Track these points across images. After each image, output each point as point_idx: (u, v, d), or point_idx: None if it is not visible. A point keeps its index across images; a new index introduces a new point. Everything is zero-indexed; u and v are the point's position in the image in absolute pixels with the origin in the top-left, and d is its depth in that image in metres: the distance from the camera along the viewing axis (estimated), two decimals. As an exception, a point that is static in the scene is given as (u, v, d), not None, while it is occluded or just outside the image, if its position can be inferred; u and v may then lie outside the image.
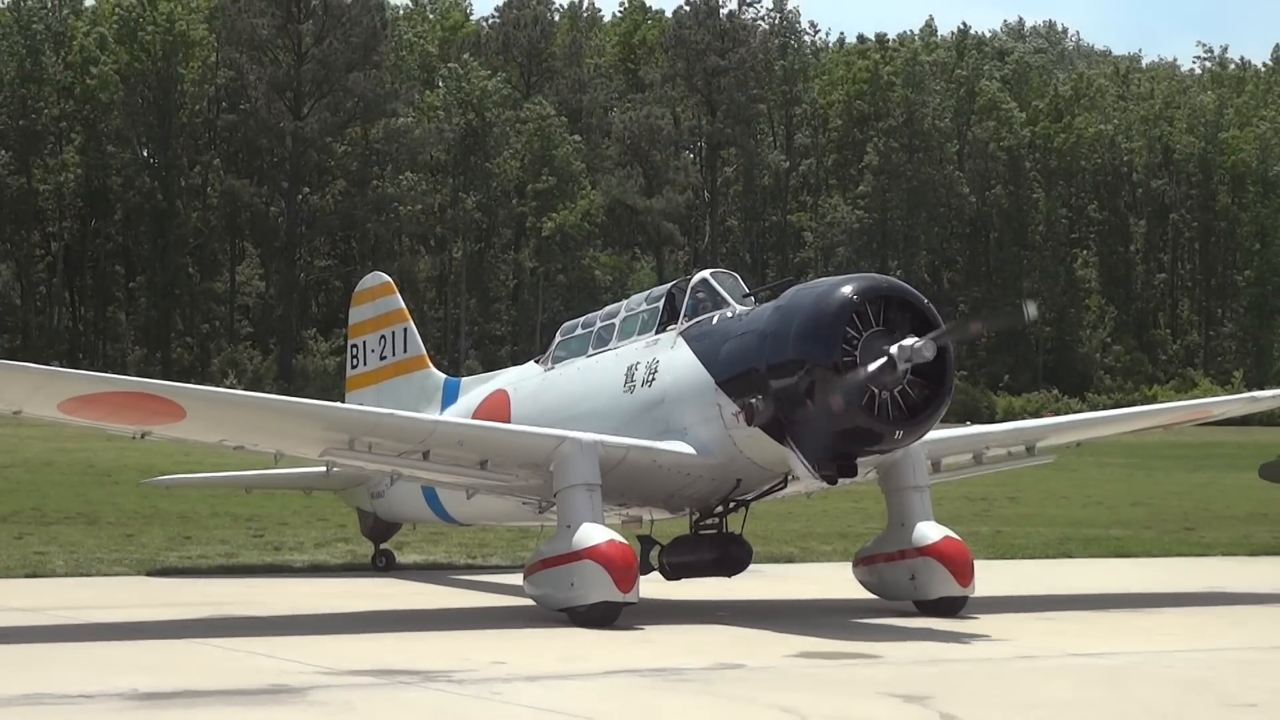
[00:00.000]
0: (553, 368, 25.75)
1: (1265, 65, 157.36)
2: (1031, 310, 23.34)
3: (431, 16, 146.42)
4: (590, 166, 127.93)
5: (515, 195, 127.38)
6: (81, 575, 27.75)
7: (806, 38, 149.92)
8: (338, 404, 25.39)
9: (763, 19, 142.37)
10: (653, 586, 24.24)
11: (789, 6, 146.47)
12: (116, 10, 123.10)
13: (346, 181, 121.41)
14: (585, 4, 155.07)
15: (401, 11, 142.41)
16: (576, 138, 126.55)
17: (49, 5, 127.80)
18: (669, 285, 24.68)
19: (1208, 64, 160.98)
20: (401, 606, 24.97)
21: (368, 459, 23.18)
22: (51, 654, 19.43)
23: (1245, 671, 19.49)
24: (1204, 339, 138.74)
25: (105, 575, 27.90)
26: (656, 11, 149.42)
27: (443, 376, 29.69)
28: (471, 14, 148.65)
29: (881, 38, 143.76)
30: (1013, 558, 33.75)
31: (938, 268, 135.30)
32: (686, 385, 23.14)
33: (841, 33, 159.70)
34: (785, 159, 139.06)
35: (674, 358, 23.45)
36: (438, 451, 23.02)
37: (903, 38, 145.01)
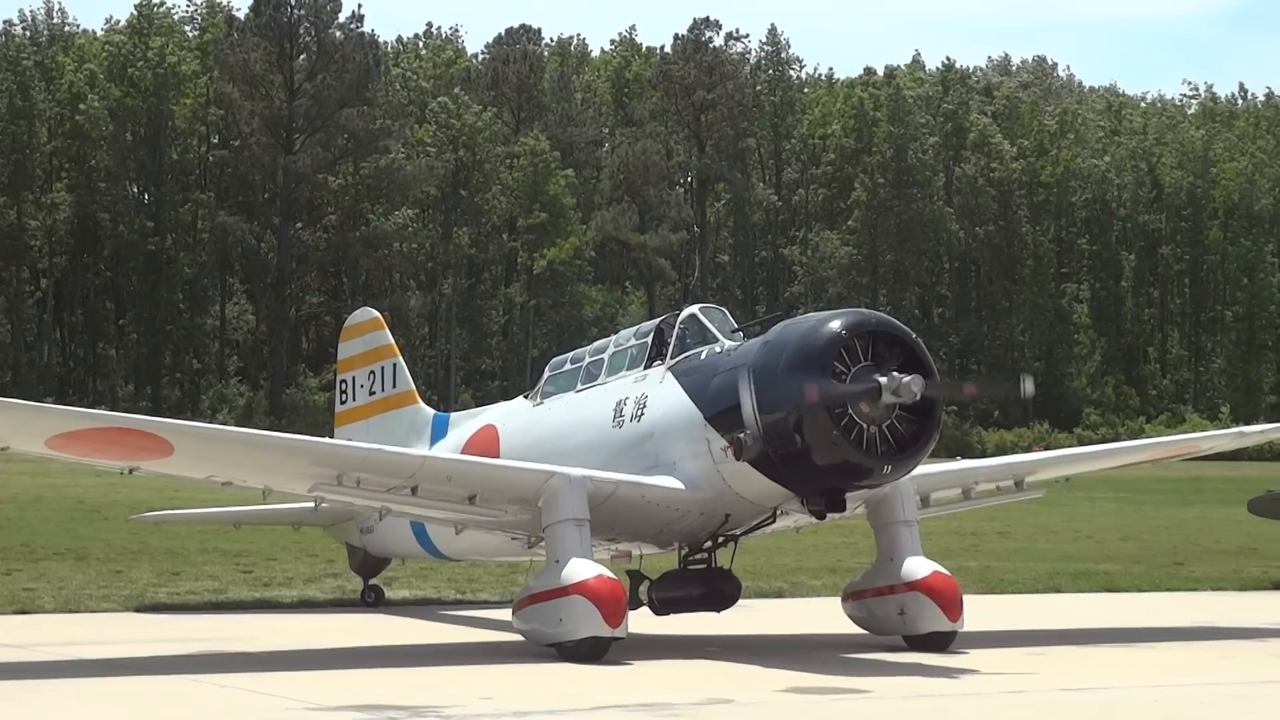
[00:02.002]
0: (541, 403, 25.75)
1: (1243, 99, 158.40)
2: (1029, 386, 23.56)
3: (425, 53, 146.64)
4: (581, 202, 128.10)
5: (506, 230, 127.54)
6: (70, 611, 27.68)
7: (794, 72, 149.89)
8: (325, 439, 25.36)
9: (748, 54, 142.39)
10: (641, 622, 24.21)
11: (781, 39, 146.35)
12: (106, 47, 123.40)
13: (338, 217, 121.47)
14: (575, 40, 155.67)
15: (393, 48, 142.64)
16: (569, 172, 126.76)
17: (39, 41, 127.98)
18: (657, 320, 24.71)
19: (1193, 100, 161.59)
20: (390, 642, 24.94)
21: (356, 494, 23.19)
22: (40, 690, 19.41)
23: (1234, 706, 19.50)
24: (1193, 373, 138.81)
25: (94, 611, 27.82)
26: (648, 49, 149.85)
27: (432, 412, 29.67)
28: (465, 50, 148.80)
29: (871, 72, 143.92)
30: (1002, 592, 33.73)
31: (927, 302, 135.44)
32: (675, 420, 23.16)
33: (831, 68, 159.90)
34: (775, 194, 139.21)
35: (662, 393, 23.47)
36: (426, 487, 23.03)
37: (888, 72, 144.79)
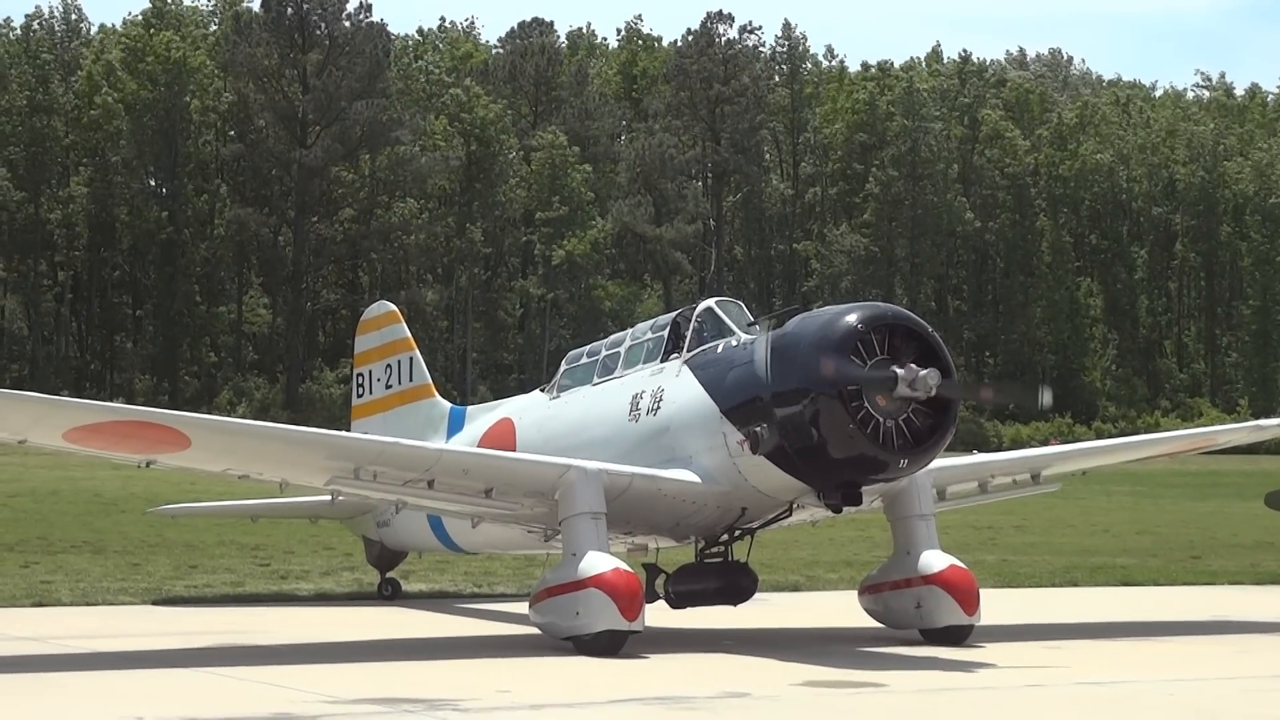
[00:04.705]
0: (558, 396, 25.74)
1: (1251, 97, 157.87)
2: (1047, 398, 23.63)
3: (441, 46, 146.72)
4: (598, 195, 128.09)
5: (522, 224, 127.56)
6: (88, 604, 27.74)
7: (813, 64, 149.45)
8: (342, 433, 25.40)
9: (762, 46, 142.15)
10: (658, 615, 24.22)
11: (797, 34, 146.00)
12: (122, 40, 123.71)
13: (355, 210, 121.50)
14: (584, 31, 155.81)
15: (410, 40, 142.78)
16: (587, 167, 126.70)
17: (56, 34, 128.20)
18: (674, 314, 24.69)
19: (1206, 91, 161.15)
20: (407, 635, 24.96)
21: (373, 488, 23.21)
22: (58, 683, 19.44)
23: (1250, 700, 19.47)
24: (1209, 367, 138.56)
25: (111, 604, 27.89)
26: (655, 38, 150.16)
27: (448, 405, 29.69)
28: (481, 41, 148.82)
29: (884, 65, 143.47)
30: (1019, 586, 33.71)
31: (944, 295, 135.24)
32: (691, 413, 23.16)
33: (857, 58, 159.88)
34: (791, 187, 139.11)
35: (679, 386, 23.47)
36: (443, 480, 23.06)
37: (901, 66, 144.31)
